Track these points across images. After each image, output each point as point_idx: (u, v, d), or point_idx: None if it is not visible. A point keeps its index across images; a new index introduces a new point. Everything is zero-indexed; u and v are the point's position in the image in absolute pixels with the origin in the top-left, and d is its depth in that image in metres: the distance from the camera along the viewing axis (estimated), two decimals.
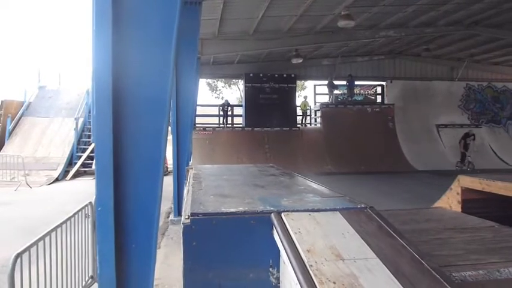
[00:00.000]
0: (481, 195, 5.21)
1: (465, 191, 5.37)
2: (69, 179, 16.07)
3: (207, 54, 15.45)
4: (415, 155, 18.67)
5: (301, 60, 17.98)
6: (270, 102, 19.87)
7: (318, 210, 2.71)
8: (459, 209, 5.38)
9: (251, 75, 19.90)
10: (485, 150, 19.65)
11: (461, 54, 19.86)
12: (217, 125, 20.89)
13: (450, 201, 5.59)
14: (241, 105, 22.17)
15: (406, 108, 19.95)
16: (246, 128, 19.65)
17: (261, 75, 19.86)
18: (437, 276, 1.91)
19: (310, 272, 1.93)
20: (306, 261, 2.03)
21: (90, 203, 4.94)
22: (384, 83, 21.18)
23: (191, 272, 2.60)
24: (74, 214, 4.53)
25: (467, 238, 4.06)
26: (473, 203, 5.26)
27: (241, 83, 26.18)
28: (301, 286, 1.86)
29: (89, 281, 4.95)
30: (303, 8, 12.38)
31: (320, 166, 16.90)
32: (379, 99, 21.42)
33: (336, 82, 20.62)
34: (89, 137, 19.08)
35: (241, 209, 2.78)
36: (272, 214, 2.65)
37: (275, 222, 2.55)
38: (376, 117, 19.49)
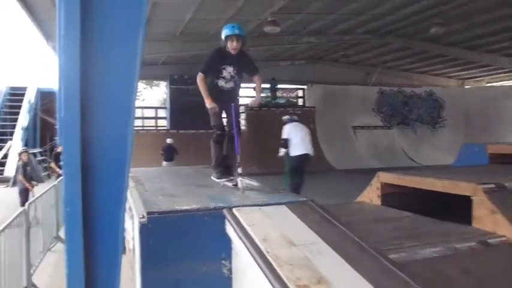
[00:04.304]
0: (398, 190, 5.78)
1: (384, 186, 5.92)
2: None
3: None
4: (334, 155, 19.70)
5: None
6: (195, 105, 19.70)
7: (266, 205, 2.98)
8: (379, 203, 5.91)
9: (176, 77, 19.79)
10: (396, 150, 21.23)
11: (375, 61, 21.33)
12: (141, 128, 20.53)
13: (371, 195, 6.12)
14: (165, 108, 21.97)
15: (326, 111, 20.95)
16: (171, 131, 19.50)
17: (186, 77, 19.81)
18: (376, 254, 2.25)
19: (269, 257, 2.17)
20: (263, 248, 2.27)
21: (24, 210, 4.79)
22: (305, 87, 22.10)
23: (148, 270, 2.72)
24: (10, 222, 4.37)
25: (388, 227, 4.56)
26: (391, 196, 5.82)
27: (163, 85, 25.87)
28: (262, 270, 2.09)
29: None
30: (231, 12, 12.68)
31: (245, 167, 17.17)
32: (300, 102, 22.29)
33: None
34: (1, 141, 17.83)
35: (194, 206, 2.96)
36: (224, 210, 2.86)
37: (228, 217, 2.76)
38: (298, 119, 20.26)
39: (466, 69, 21.88)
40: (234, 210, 2.84)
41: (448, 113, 22.63)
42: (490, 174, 5.78)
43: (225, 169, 4.41)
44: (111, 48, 2.12)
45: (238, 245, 2.60)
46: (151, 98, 36.65)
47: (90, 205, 2.21)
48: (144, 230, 2.71)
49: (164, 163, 15.11)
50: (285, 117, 9.12)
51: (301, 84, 22.21)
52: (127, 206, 5.04)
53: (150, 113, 22.21)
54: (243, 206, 2.93)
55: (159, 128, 21.10)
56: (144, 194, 3.64)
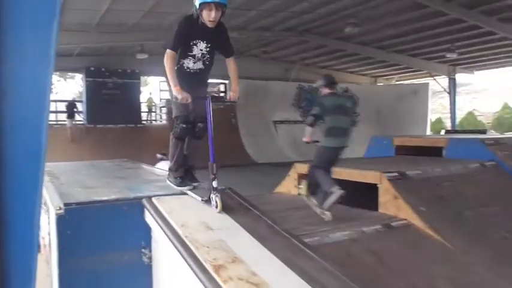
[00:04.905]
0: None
1: (301, 176, 6.25)
2: None
3: None
4: (255, 148, 20.13)
5: (146, 56, 17.87)
6: (113, 98, 19.22)
7: (185, 193, 3.07)
8: (296, 192, 6.23)
9: (92, 69, 19.01)
10: (314, 144, 22.14)
11: (295, 58, 22.02)
12: (55, 122, 19.49)
13: (288, 186, 6.43)
14: (81, 101, 21.02)
15: (248, 105, 21.24)
16: (87, 125, 18.75)
17: (104, 69, 19.12)
18: (287, 235, 2.45)
19: (186, 241, 2.28)
20: (181, 233, 2.38)
21: None
22: (227, 82, 22.24)
23: (66, 261, 2.70)
24: None
25: (304, 214, 4.86)
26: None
27: (79, 77, 24.70)
28: (180, 254, 2.19)
29: None
30: (150, 4, 12.47)
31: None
32: (223, 96, 22.41)
33: None
34: None
35: (113, 196, 2.98)
36: (143, 199, 2.91)
37: (147, 206, 2.82)
38: (220, 114, 20.33)
39: (377, 67, 23.29)
40: (153, 199, 2.90)
41: (362, 109, 23.95)
42: (394, 164, 6.32)
43: (187, 174, 3.50)
44: (23, 38, 2.10)
45: (157, 233, 2.68)
46: (66, 91, 34.84)
47: (3, 201, 2.17)
48: (61, 221, 2.68)
49: (67, 120, 18.00)
50: None
51: (223, 79, 22.30)
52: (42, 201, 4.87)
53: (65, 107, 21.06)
54: (162, 195, 3.00)
55: (75, 122, 20.10)
56: (61, 187, 3.57)
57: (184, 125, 3.48)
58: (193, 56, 3.44)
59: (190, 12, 3.36)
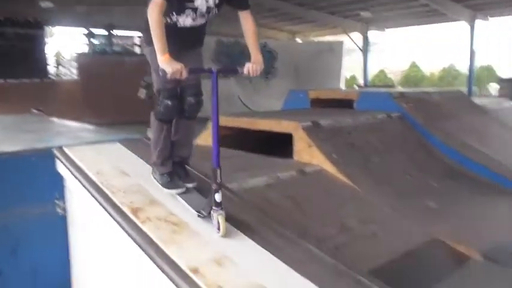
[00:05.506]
0: (232, 132, 6.22)
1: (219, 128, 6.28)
2: None
3: None
4: None
5: (51, 5, 16.47)
6: (12, 51, 17.54)
7: (99, 142, 2.98)
8: None
9: None
10: (233, 99, 22.22)
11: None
12: None
13: (207, 138, 6.45)
14: None
15: None
16: None
17: (2, 19, 17.35)
18: (205, 178, 2.49)
19: (102, 187, 2.24)
20: (96, 180, 2.32)
21: None
22: (141, 35, 21.29)
23: None
24: None
25: (222, 163, 4.93)
26: (226, 138, 6.22)
27: None
28: (97, 200, 2.16)
29: None
30: None
31: (79, 118, 16.20)
32: (138, 50, 21.51)
33: (95, 31, 19.68)
34: None
35: (19, 147, 2.81)
36: (54, 149, 2.78)
37: (59, 155, 2.71)
38: (134, 68, 19.59)
39: (296, 23, 23.59)
40: (65, 149, 2.78)
41: (280, 64, 24.30)
42: (309, 115, 6.57)
43: (177, 169, 2.55)
44: None
45: (71, 183, 2.60)
46: None
47: None
48: None
49: None
50: None
51: (139, 31, 21.31)
52: None
53: None
54: (75, 145, 2.88)
55: None
56: None
57: (169, 102, 2.43)
58: (195, 10, 2.28)
59: None
